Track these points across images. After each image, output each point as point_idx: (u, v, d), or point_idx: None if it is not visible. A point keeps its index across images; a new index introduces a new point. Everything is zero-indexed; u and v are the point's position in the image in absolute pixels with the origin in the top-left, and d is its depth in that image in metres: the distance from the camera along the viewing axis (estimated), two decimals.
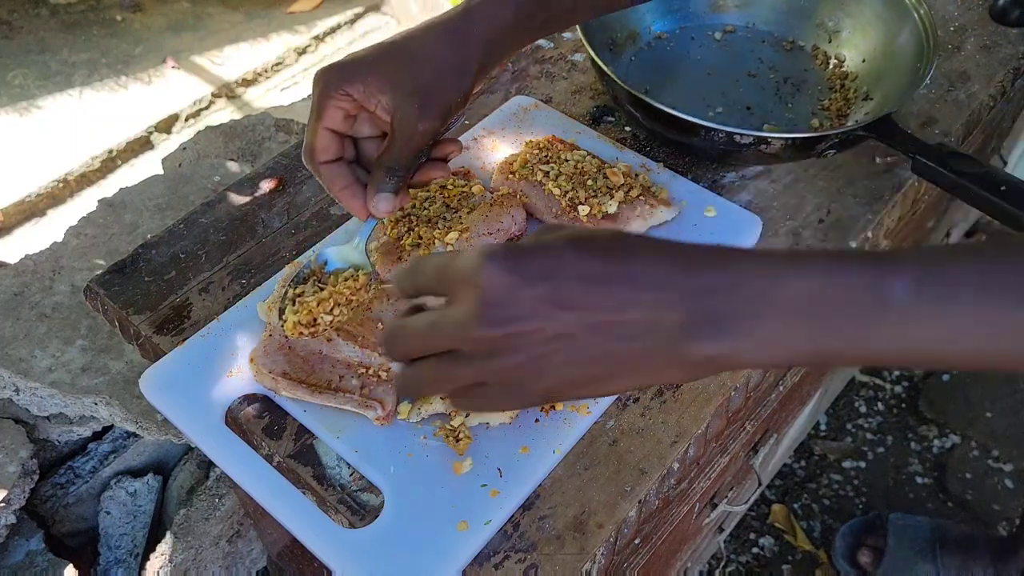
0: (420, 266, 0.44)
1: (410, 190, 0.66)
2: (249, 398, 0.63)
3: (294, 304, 0.63)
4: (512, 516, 0.57)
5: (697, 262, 0.41)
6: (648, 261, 0.40)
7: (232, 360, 0.64)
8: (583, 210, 0.70)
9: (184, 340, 0.66)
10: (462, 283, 0.41)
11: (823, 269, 0.39)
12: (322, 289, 0.64)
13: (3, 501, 0.97)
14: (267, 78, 2.36)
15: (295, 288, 0.64)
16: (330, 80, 0.57)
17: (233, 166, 1.25)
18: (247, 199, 0.79)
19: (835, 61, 0.89)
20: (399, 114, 0.58)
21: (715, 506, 0.96)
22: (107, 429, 1.13)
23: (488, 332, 0.39)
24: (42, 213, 1.97)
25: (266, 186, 0.80)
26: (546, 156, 0.75)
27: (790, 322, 0.39)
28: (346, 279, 0.65)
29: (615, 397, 0.63)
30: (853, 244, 0.74)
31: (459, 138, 0.82)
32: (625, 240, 0.42)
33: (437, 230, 0.69)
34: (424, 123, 0.58)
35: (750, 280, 0.40)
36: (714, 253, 0.41)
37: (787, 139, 0.72)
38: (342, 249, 0.66)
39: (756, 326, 0.39)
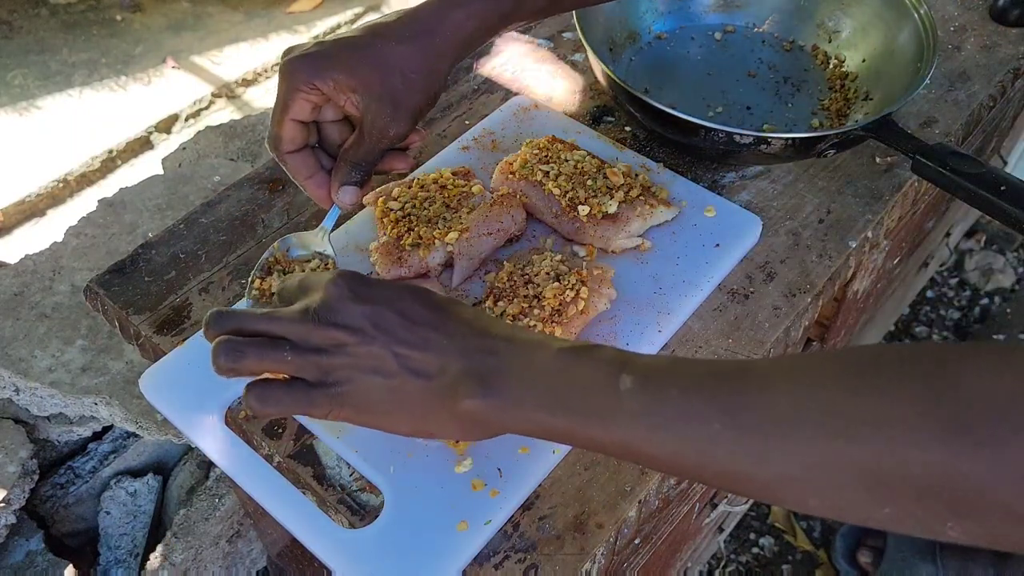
0: (293, 279, 0.51)
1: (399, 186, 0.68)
2: None
3: (262, 296, 0.63)
4: (512, 516, 0.57)
5: (491, 331, 0.48)
6: (458, 321, 0.48)
7: None
8: (583, 210, 0.70)
9: (184, 340, 0.66)
10: (312, 288, 0.49)
11: (569, 354, 0.45)
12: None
13: (3, 501, 0.97)
14: (267, 78, 2.36)
15: (262, 280, 0.64)
16: (299, 73, 0.57)
17: (233, 166, 1.25)
18: (247, 199, 0.79)
19: (835, 61, 0.89)
20: (370, 117, 0.58)
21: (715, 506, 0.96)
22: (107, 429, 1.13)
23: (314, 326, 0.46)
24: (42, 213, 1.97)
25: (266, 186, 0.80)
26: (546, 156, 0.75)
27: (531, 392, 0.45)
28: (313, 269, 0.65)
29: None
30: (853, 244, 0.74)
31: (459, 138, 0.82)
32: (453, 303, 0.50)
33: (437, 230, 0.69)
34: (395, 128, 0.59)
35: (515, 349, 0.46)
36: (511, 329, 0.48)
37: (787, 139, 0.72)
38: (305, 236, 0.66)
39: (508, 388, 0.45)
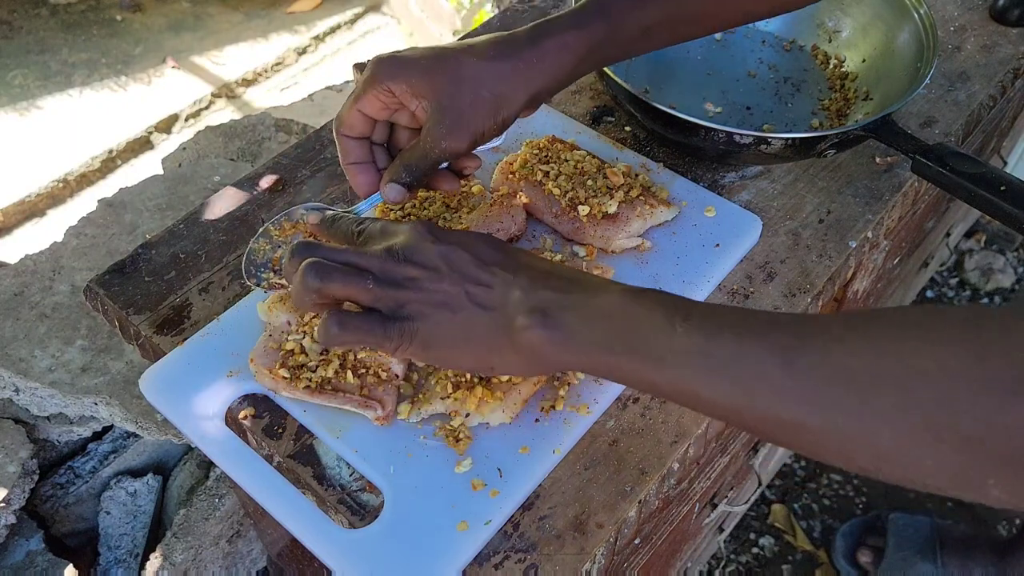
0: (375, 225, 0.55)
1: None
2: (249, 398, 0.63)
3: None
4: (512, 516, 0.57)
5: (555, 271, 0.51)
6: (526, 263, 0.52)
7: (232, 360, 0.64)
8: (583, 210, 0.70)
9: (184, 340, 0.66)
10: (394, 232, 0.53)
11: (630, 295, 0.47)
12: None
13: (3, 501, 0.97)
14: (267, 78, 2.36)
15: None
16: (379, 72, 0.58)
17: (233, 166, 1.25)
18: (247, 199, 0.79)
19: (835, 61, 0.89)
20: (429, 124, 0.58)
21: (715, 506, 0.96)
22: (107, 429, 1.13)
23: (395, 262, 0.51)
24: (42, 213, 1.97)
25: (266, 186, 0.80)
26: (546, 156, 0.75)
27: (591, 328, 0.47)
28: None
29: (615, 397, 0.63)
30: (853, 244, 0.74)
31: None
32: (522, 251, 0.54)
33: None
34: (448, 142, 0.58)
35: (578, 288, 0.49)
36: (574, 271, 0.52)
37: (787, 139, 0.72)
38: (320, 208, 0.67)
39: (567, 323, 0.47)
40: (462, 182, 0.65)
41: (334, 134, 0.62)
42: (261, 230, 0.67)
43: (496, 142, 0.70)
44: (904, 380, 0.38)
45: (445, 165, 0.62)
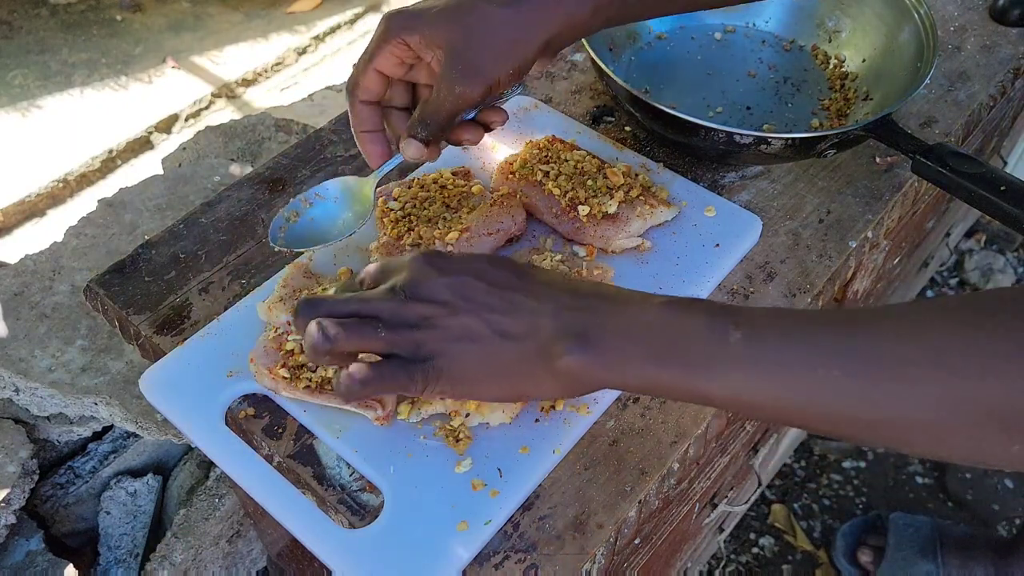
0: (372, 265, 0.53)
1: (414, 180, 0.68)
2: (249, 398, 0.63)
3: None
4: (512, 516, 0.57)
5: (580, 289, 0.49)
6: (543, 282, 0.50)
7: (232, 360, 0.64)
8: (583, 210, 0.70)
9: (184, 340, 0.66)
10: (395, 270, 0.51)
11: (673, 307, 0.46)
12: None
13: (3, 501, 0.97)
14: (267, 78, 2.36)
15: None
16: (392, 26, 0.57)
17: (233, 166, 1.25)
18: (247, 199, 0.79)
19: (835, 61, 0.89)
20: (441, 72, 0.57)
21: (715, 506, 0.96)
22: (107, 429, 1.13)
23: (403, 303, 0.48)
24: (42, 213, 1.97)
25: (266, 186, 0.80)
26: (546, 156, 0.75)
27: (635, 345, 0.45)
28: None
29: (615, 397, 0.63)
30: (853, 244, 0.74)
31: None
32: (534, 267, 0.52)
33: (437, 230, 0.69)
34: (461, 87, 0.57)
35: (611, 306, 0.47)
36: (597, 286, 0.50)
37: (787, 139, 0.72)
38: (355, 181, 0.65)
39: (609, 343, 0.46)
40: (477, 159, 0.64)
41: (348, 101, 0.61)
42: (292, 201, 0.65)
43: (515, 91, 0.68)
44: (979, 368, 0.37)
45: (471, 117, 0.61)
